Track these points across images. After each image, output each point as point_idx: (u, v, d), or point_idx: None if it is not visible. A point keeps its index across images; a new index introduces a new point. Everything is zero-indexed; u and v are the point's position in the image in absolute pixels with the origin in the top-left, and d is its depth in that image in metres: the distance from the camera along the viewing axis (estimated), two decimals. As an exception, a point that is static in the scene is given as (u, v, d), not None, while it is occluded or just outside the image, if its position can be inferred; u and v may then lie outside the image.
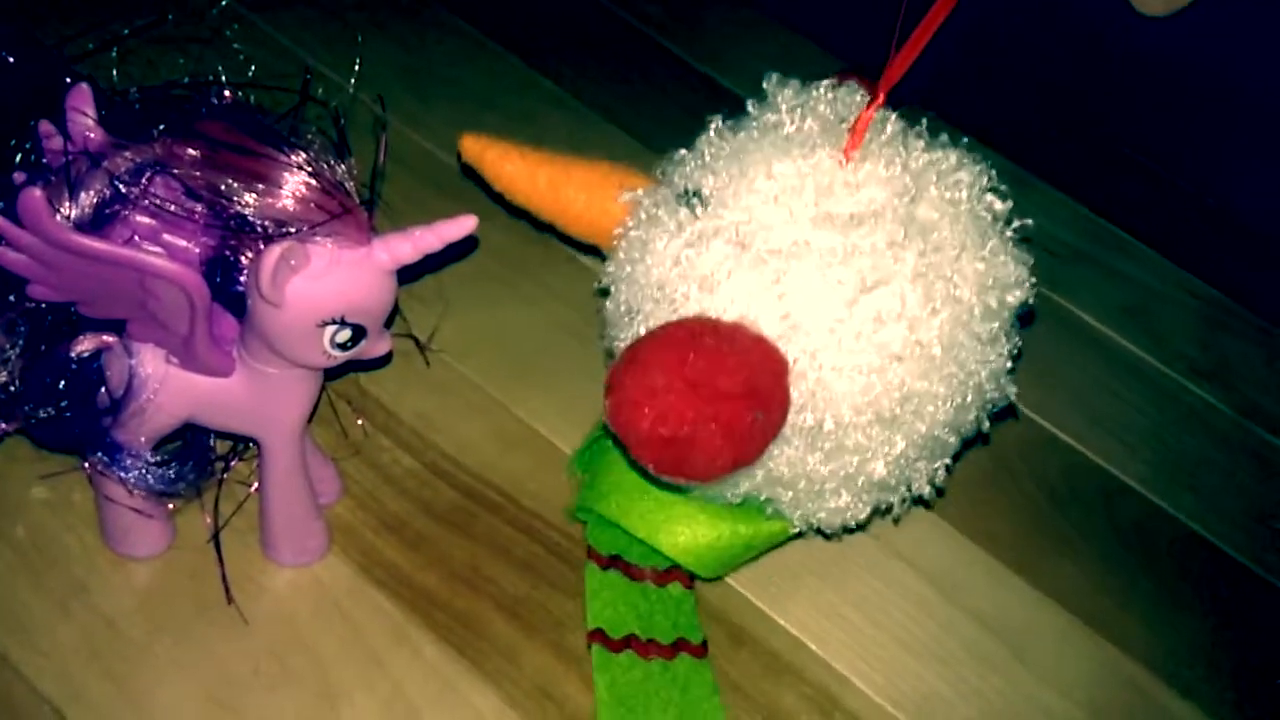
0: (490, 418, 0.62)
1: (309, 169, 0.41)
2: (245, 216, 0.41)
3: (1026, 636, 0.60)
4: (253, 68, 0.44)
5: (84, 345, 0.45)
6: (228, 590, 0.52)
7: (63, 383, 0.45)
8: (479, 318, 0.66)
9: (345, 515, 0.56)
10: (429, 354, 0.63)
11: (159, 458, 0.48)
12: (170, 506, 0.52)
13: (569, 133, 0.78)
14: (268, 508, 0.51)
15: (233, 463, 0.54)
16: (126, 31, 0.44)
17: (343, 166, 0.43)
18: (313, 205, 0.41)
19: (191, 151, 0.41)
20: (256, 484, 0.53)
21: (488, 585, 0.56)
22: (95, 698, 0.49)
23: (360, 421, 0.59)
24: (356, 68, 0.48)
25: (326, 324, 0.44)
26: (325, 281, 0.42)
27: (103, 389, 0.46)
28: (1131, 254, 0.83)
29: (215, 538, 0.52)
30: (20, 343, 0.45)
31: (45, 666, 0.49)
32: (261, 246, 0.42)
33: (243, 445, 0.54)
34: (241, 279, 0.44)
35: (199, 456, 0.49)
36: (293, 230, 0.41)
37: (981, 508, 0.65)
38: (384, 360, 0.48)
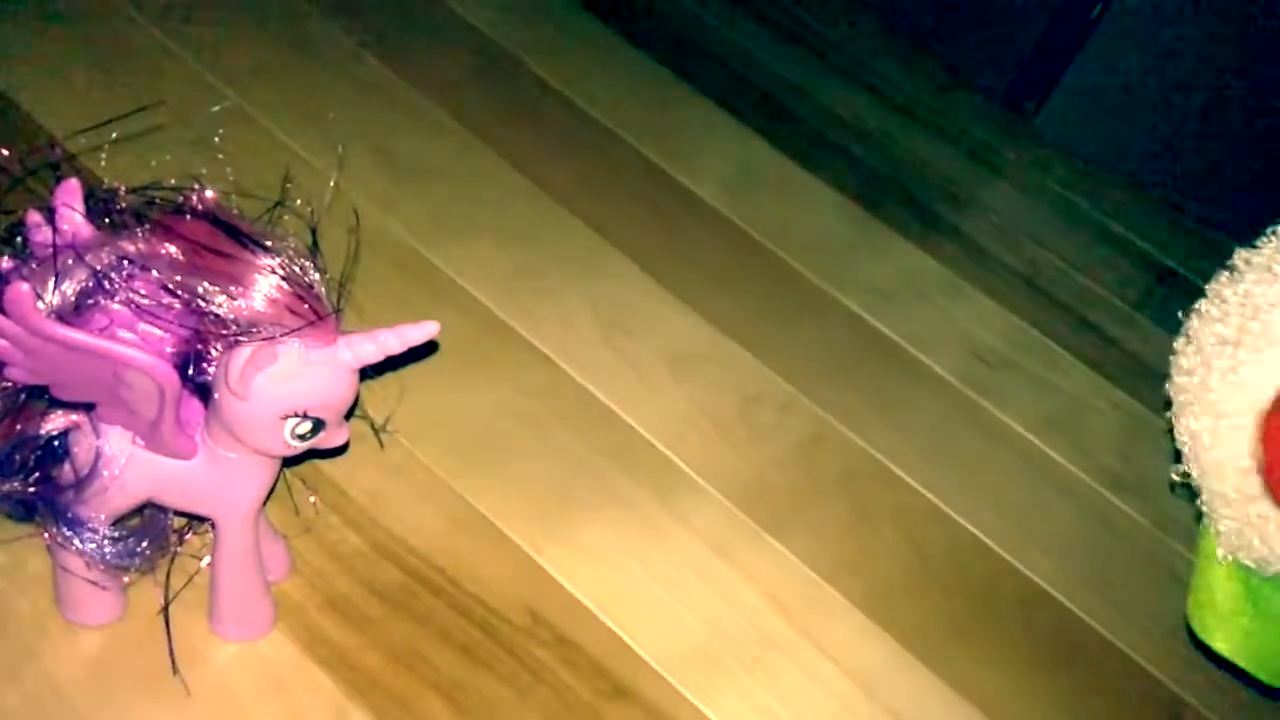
0: (439, 500, 0.64)
1: (283, 274, 0.44)
2: (219, 315, 0.43)
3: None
4: (231, 172, 0.47)
5: (54, 424, 0.47)
6: (174, 662, 0.54)
7: (31, 459, 0.47)
8: (434, 401, 0.68)
9: (292, 593, 0.58)
10: (383, 435, 0.65)
11: (117, 533, 0.50)
12: (124, 578, 0.53)
13: (532, 221, 0.81)
14: (217, 584, 0.53)
15: (187, 537, 0.56)
16: (114, 136, 0.47)
17: (316, 271, 0.46)
18: (284, 308, 0.44)
19: (172, 250, 0.43)
20: (208, 559, 0.54)
21: (426, 668, 0.58)
22: (36, 764, 0.50)
23: (312, 499, 0.62)
24: (334, 178, 0.51)
25: (289, 417, 0.46)
26: (291, 380, 0.45)
27: (68, 465, 0.48)
28: (1058, 364, 0.87)
29: (165, 610, 0.54)
30: (-8, 418, 0.46)
31: (-11, 730, 0.51)
32: (233, 342, 0.44)
33: (197, 520, 0.55)
34: (210, 369, 0.46)
35: (156, 534, 0.51)
36: (263, 331, 0.44)
37: (907, 608, 0.68)
38: (341, 449, 0.50)
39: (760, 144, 0.93)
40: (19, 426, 0.47)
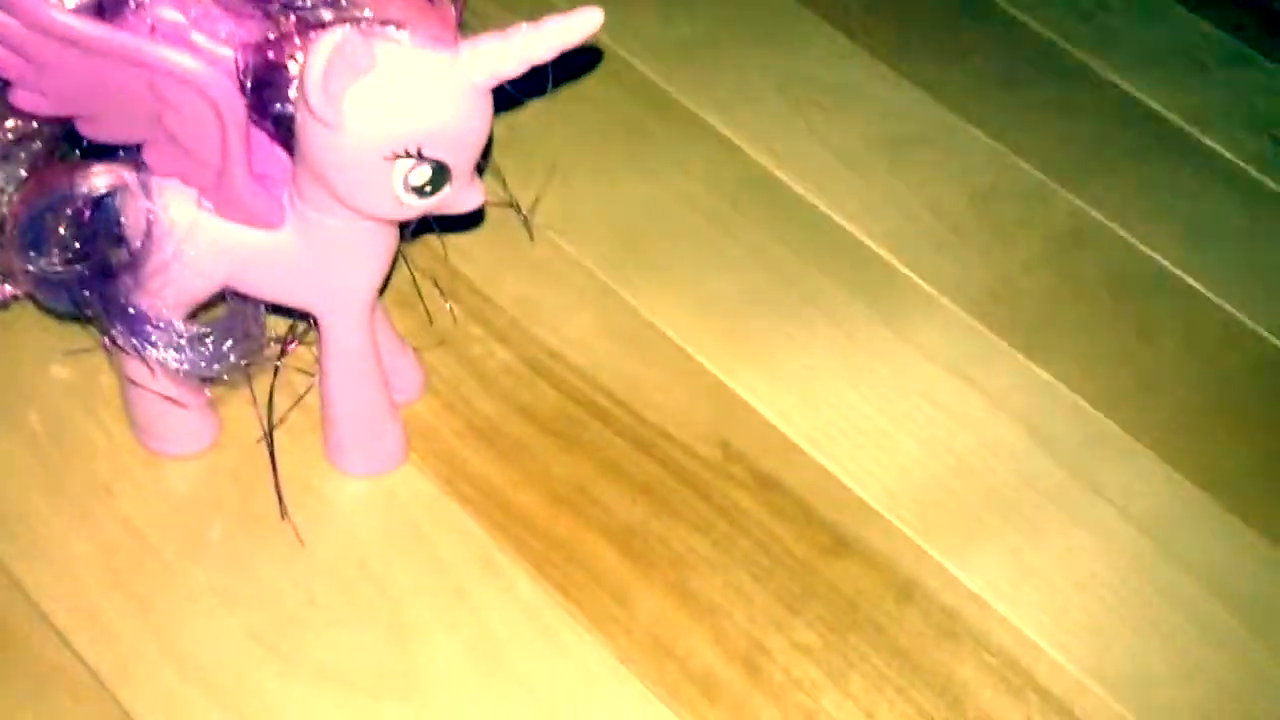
0: (603, 309, 0.51)
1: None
2: (289, -5, 0.30)
3: (1262, 605, 0.48)
4: None
5: (94, 181, 0.35)
6: (281, 502, 0.42)
7: (70, 229, 0.35)
8: (593, 189, 0.55)
9: (427, 416, 0.46)
10: (533, 226, 0.52)
11: (193, 331, 0.38)
12: (210, 395, 0.42)
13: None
14: (331, 402, 0.41)
15: (291, 347, 0.44)
16: None
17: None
18: (381, -15, 0.30)
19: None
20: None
21: (595, 509, 0.45)
22: (112, 625, 0.40)
23: (448, 305, 0.49)
24: None
25: (399, 157, 0.33)
26: (396, 93, 0.31)
27: (119, 239, 0.36)
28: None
29: (268, 436, 0.42)
30: (16, 176, 0.35)
31: (55, 584, 0.40)
32: (314, 39, 0.31)
33: (304, 324, 0.44)
34: (291, 95, 0.33)
35: (245, 331, 0.39)
36: (355, 18, 0.30)
37: (1206, 445, 0.52)
38: (474, 219, 0.37)
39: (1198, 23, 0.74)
40: (48, 183, 0.35)
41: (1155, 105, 0.66)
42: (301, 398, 0.44)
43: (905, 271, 0.56)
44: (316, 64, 0.30)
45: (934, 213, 0.59)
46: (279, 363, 0.43)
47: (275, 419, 0.43)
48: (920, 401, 0.52)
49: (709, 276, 0.54)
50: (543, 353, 0.49)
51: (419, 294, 0.48)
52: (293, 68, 0.32)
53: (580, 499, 0.45)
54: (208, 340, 0.38)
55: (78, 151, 0.36)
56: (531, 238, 0.51)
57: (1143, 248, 0.59)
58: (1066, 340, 0.55)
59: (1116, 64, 0.68)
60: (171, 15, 0.32)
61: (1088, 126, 0.65)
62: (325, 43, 0.30)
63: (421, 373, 0.46)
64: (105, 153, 0.35)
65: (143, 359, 0.38)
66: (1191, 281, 0.58)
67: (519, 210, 0.50)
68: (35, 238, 0.35)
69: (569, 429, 0.47)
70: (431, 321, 0.48)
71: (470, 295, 0.50)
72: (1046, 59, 0.67)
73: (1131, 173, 0.63)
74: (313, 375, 0.44)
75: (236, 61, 0.32)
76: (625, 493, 0.46)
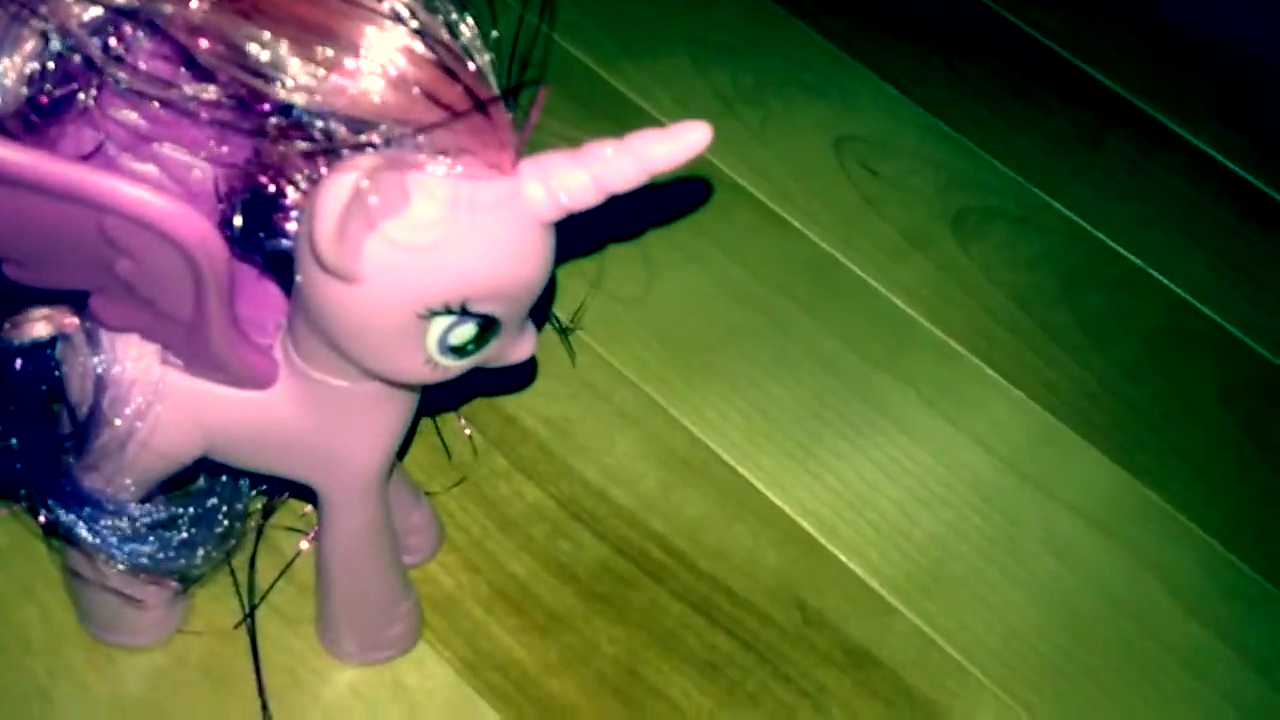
0: (649, 431, 0.43)
1: (415, 23, 0.22)
2: (294, 108, 0.22)
3: None
4: None
5: (28, 328, 0.27)
6: (264, 701, 0.34)
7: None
8: (633, 287, 0.46)
9: (443, 580, 0.38)
10: (572, 337, 0.43)
11: (154, 516, 0.29)
12: (172, 584, 0.33)
13: (746, 28, 0.58)
14: (329, 582, 0.33)
15: (279, 498, 0.36)
16: None
17: (469, 27, 0.24)
18: (419, 93, 0.22)
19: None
20: (312, 534, 0.34)
21: (652, 699, 0.37)
22: None
23: (467, 432, 0.41)
24: None
25: (436, 314, 0.24)
26: (434, 237, 0.23)
27: (62, 405, 0.27)
28: None
29: (249, 617, 0.34)
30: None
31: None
32: (323, 168, 0.22)
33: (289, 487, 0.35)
34: (288, 224, 0.25)
35: (221, 511, 0.31)
36: (380, 139, 0.22)
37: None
38: (522, 375, 0.29)
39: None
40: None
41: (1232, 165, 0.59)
42: (289, 565, 0.36)
43: (988, 371, 0.48)
44: (328, 211, 0.21)
45: (1015, 300, 0.51)
46: (260, 523, 0.35)
47: (257, 597, 0.34)
48: (1014, 532, 0.44)
49: (762, 381, 0.46)
50: (582, 490, 0.41)
51: (433, 420, 0.40)
52: (291, 193, 0.24)
53: (632, 685, 0.37)
54: (175, 526, 0.29)
55: None
56: (573, 358, 0.43)
57: (1255, 345, 0.52)
58: (1182, 460, 0.47)
59: (1194, 120, 0.60)
60: (127, 118, 0.24)
61: (1181, 195, 0.57)
62: (340, 184, 0.21)
63: (437, 527, 0.37)
64: (46, 294, 0.26)
65: (86, 552, 0.29)
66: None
67: (558, 326, 0.41)
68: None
69: (616, 591, 0.39)
70: (448, 454, 0.40)
71: (492, 418, 0.41)
72: (1123, 113, 0.60)
73: (1238, 251, 0.56)
74: (302, 532, 0.36)
75: (216, 186, 0.24)
76: (688, 675, 0.37)
